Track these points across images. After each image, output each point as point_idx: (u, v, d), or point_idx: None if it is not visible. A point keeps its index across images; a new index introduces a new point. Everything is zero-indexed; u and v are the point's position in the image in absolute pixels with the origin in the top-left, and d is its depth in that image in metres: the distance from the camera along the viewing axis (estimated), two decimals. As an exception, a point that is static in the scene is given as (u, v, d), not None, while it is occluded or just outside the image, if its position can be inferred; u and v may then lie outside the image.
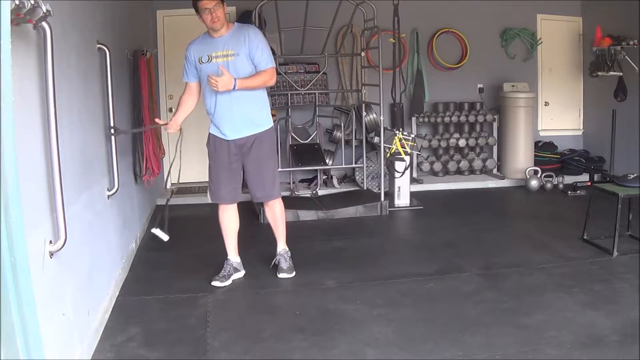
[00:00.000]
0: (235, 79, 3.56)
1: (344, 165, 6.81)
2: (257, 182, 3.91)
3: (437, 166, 7.24)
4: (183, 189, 6.92)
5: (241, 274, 4.07)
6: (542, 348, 2.89)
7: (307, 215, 5.63)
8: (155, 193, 6.31)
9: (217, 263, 4.38)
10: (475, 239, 4.87)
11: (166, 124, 3.83)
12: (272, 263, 4.11)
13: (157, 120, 3.97)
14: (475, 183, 7.12)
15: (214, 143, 3.89)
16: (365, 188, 6.53)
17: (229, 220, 4.06)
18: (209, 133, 3.92)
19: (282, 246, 4.11)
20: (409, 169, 6.07)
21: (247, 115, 3.75)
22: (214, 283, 3.87)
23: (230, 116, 3.73)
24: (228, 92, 3.63)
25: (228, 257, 4.05)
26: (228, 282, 3.92)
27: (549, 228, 5.12)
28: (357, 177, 6.87)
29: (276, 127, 6.70)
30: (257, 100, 3.78)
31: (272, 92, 6.40)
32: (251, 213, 5.98)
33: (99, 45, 3.57)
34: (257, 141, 3.80)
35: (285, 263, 4.04)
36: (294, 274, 4.02)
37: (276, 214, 4.05)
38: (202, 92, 3.85)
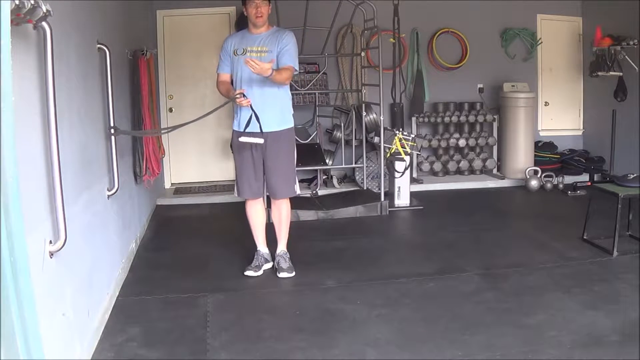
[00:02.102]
0: (272, 70, 3.66)
1: (344, 165, 6.81)
2: (273, 178, 3.98)
3: (437, 166, 7.24)
4: (183, 189, 6.93)
5: (270, 264, 4.17)
6: (542, 348, 2.89)
7: (307, 215, 5.64)
8: (155, 193, 6.31)
9: (217, 263, 4.40)
10: (475, 239, 4.87)
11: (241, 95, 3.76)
12: (272, 265, 4.14)
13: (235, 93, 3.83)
14: (475, 183, 7.12)
15: (237, 139, 3.95)
16: (365, 188, 6.53)
17: (256, 214, 4.17)
18: (233, 130, 4.01)
19: (281, 247, 4.14)
20: (409, 169, 6.07)
21: (274, 112, 3.86)
22: (247, 273, 4.02)
23: (260, 111, 3.78)
24: (260, 88, 3.78)
25: (258, 249, 4.17)
26: (260, 272, 4.07)
27: (549, 228, 5.12)
28: (357, 177, 6.88)
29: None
30: (284, 99, 3.94)
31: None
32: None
33: (99, 45, 3.56)
34: (279, 138, 3.90)
35: (285, 263, 4.06)
36: (294, 273, 4.03)
37: (282, 214, 4.10)
38: (234, 83, 3.96)
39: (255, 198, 4.11)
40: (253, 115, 3.71)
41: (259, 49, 3.85)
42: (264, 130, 3.81)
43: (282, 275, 4.00)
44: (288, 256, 4.12)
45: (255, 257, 4.16)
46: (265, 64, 3.55)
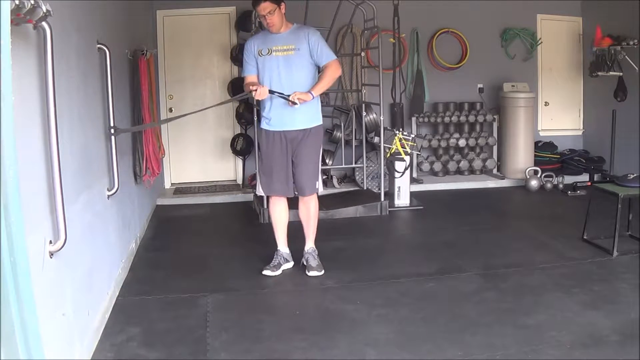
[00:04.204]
0: (310, 92, 3.80)
1: (344, 165, 6.81)
2: (301, 174, 3.99)
3: (437, 166, 7.24)
4: (183, 189, 6.93)
5: (290, 264, 4.17)
6: (542, 348, 2.89)
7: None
8: (155, 193, 6.32)
9: (217, 263, 4.40)
10: (475, 239, 4.87)
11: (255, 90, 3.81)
12: (301, 262, 4.14)
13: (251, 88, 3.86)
14: (475, 183, 7.12)
15: (266, 138, 4.01)
16: (365, 188, 6.53)
17: (280, 213, 4.16)
18: (261, 129, 4.06)
19: (310, 244, 4.14)
20: (409, 169, 6.07)
21: (304, 110, 3.87)
22: (265, 272, 4.02)
23: (290, 110, 3.84)
24: (290, 88, 3.82)
25: (278, 248, 4.17)
26: (278, 272, 4.06)
27: (549, 228, 5.12)
28: (357, 177, 6.88)
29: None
30: (316, 98, 3.94)
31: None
32: (251, 213, 5.99)
33: (99, 45, 3.56)
34: (307, 135, 3.94)
35: (314, 261, 4.06)
36: (323, 272, 4.00)
37: (310, 211, 4.10)
38: (261, 83, 3.95)
39: (282, 196, 4.10)
40: (277, 95, 3.80)
41: (285, 47, 3.87)
42: (294, 128, 3.89)
43: (311, 273, 3.98)
44: (317, 253, 4.11)
45: (275, 256, 4.14)
46: (303, 95, 3.74)
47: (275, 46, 3.88)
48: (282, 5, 3.84)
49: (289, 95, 3.78)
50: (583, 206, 4.84)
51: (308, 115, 3.93)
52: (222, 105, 7.21)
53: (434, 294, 3.68)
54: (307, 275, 4.00)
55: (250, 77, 4.00)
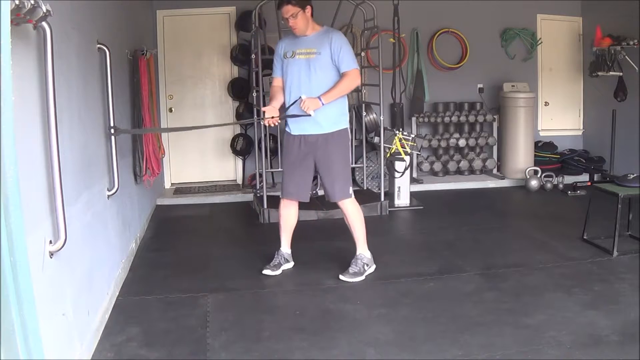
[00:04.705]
0: (319, 97, 3.73)
1: (344, 165, 6.80)
2: (327, 180, 3.96)
3: (437, 166, 7.24)
4: (183, 189, 6.93)
5: (290, 264, 4.16)
6: (542, 348, 2.89)
7: (307, 215, 5.62)
8: (155, 193, 6.32)
9: (217, 263, 4.40)
10: (475, 239, 4.87)
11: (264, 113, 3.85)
12: (293, 265, 4.16)
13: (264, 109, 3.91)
14: (475, 183, 7.12)
15: (287, 141, 4.01)
16: (365, 188, 6.53)
17: (288, 215, 4.14)
18: (285, 132, 4.05)
19: (358, 250, 4.02)
20: (409, 169, 6.07)
21: (325, 114, 3.81)
22: (265, 271, 4.02)
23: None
24: (309, 92, 3.77)
25: (280, 248, 4.15)
26: (278, 272, 4.05)
27: (549, 228, 5.12)
28: (357, 177, 6.87)
29: (276, 127, 6.76)
30: (339, 101, 3.87)
31: (272, 92, 6.40)
32: (251, 213, 5.99)
33: (99, 45, 3.56)
34: (327, 140, 3.88)
35: (353, 267, 3.94)
36: (357, 279, 3.88)
37: (348, 217, 4.02)
38: (284, 86, 3.95)
39: (295, 200, 4.07)
40: (288, 116, 3.82)
41: (307, 50, 3.82)
42: (315, 133, 3.85)
43: (341, 277, 3.89)
44: (364, 261, 3.97)
45: (276, 255, 4.13)
46: (312, 103, 3.68)
47: (299, 49, 3.84)
48: (308, 9, 3.78)
49: (301, 107, 3.72)
50: (583, 206, 4.84)
51: (329, 119, 3.85)
52: (222, 106, 7.23)
53: (434, 294, 3.68)
54: (313, 275, 4.00)
55: (276, 79, 3.98)
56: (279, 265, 4.09)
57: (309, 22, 3.82)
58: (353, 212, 4.01)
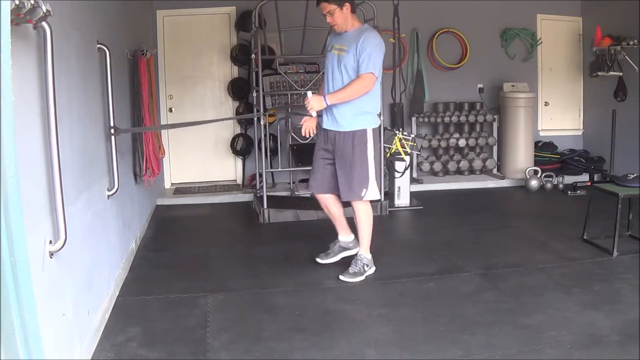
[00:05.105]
0: (324, 96, 3.78)
1: (344, 165, 6.79)
2: (339, 178, 3.94)
3: (437, 166, 7.24)
4: (183, 189, 6.93)
5: (350, 252, 4.16)
6: (542, 348, 2.89)
7: (307, 215, 5.63)
8: (155, 193, 6.31)
9: (217, 263, 4.40)
10: (475, 239, 4.87)
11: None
12: (349, 255, 4.17)
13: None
14: (475, 183, 7.12)
15: (318, 131, 4.05)
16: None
17: (326, 207, 4.15)
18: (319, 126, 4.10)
19: (360, 250, 4.03)
20: (409, 169, 6.06)
21: (346, 111, 3.83)
22: (317, 259, 4.14)
23: (335, 108, 3.86)
24: (333, 88, 3.84)
25: (338, 237, 4.20)
26: (327, 260, 4.14)
27: (549, 228, 5.12)
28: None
29: (276, 127, 6.78)
30: (357, 100, 3.82)
31: (273, 92, 6.41)
32: (251, 213, 5.99)
33: (99, 45, 3.56)
34: (344, 138, 3.87)
35: (352, 267, 3.95)
36: (357, 279, 3.89)
37: (355, 217, 4.01)
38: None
39: (317, 193, 4.11)
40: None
41: (340, 47, 3.86)
42: (333, 129, 3.88)
43: (341, 277, 3.90)
44: (362, 262, 3.96)
45: (331, 244, 4.20)
46: (316, 101, 3.76)
47: (336, 44, 3.90)
48: (346, 6, 3.78)
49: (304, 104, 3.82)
50: (583, 206, 4.84)
51: (345, 117, 3.84)
52: (222, 106, 7.23)
53: (434, 294, 3.68)
54: (313, 275, 4.00)
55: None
56: (330, 254, 4.16)
57: (348, 18, 3.84)
58: (361, 214, 3.98)
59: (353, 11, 3.85)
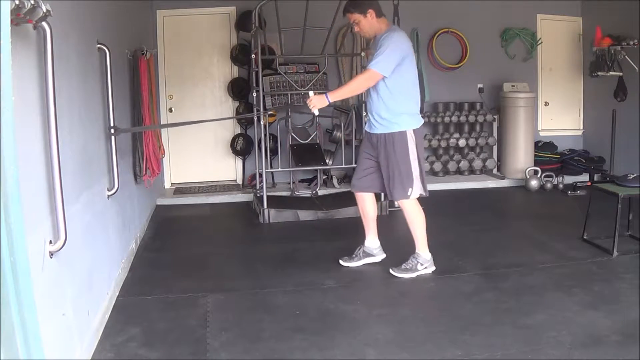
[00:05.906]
0: (326, 94, 3.81)
1: (344, 165, 6.79)
2: (385, 179, 3.99)
3: (437, 166, 7.24)
4: (183, 189, 6.93)
5: (375, 258, 4.20)
6: (542, 348, 2.89)
7: (307, 215, 5.64)
8: (156, 193, 6.31)
9: (217, 263, 4.40)
10: (475, 239, 4.87)
11: None
12: (375, 260, 4.22)
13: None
14: (475, 183, 7.12)
15: (364, 133, 4.14)
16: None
17: (362, 208, 4.22)
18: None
19: (417, 249, 4.06)
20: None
21: (378, 114, 3.88)
22: (341, 261, 4.16)
23: (369, 110, 3.97)
24: (375, 87, 3.84)
25: (364, 242, 4.23)
26: (351, 264, 4.16)
27: (549, 228, 5.12)
28: (357, 177, 6.86)
29: (276, 127, 6.78)
30: (388, 101, 3.84)
31: (273, 92, 6.41)
32: (251, 213, 5.99)
33: (99, 45, 3.56)
34: (385, 141, 3.90)
35: (406, 263, 4.00)
36: (407, 275, 3.94)
37: (406, 215, 4.10)
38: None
39: (358, 191, 4.16)
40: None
41: (372, 52, 3.94)
42: (372, 132, 3.95)
43: (392, 271, 3.97)
44: (417, 260, 3.99)
45: (357, 248, 4.23)
46: (318, 99, 3.76)
47: (372, 50, 4.03)
48: (370, 12, 3.82)
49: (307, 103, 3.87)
50: (583, 206, 4.84)
51: (385, 120, 3.87)
52: (222, 106, 7.23)
53: (434, 294, 3.68)
54: (313, 275, 4.00)
55: None
56: (354, 257, 4.18)
57: (374, 24, 3.88)
58: (410, 213, 4.05)
59: (379, 16, 3.87)
